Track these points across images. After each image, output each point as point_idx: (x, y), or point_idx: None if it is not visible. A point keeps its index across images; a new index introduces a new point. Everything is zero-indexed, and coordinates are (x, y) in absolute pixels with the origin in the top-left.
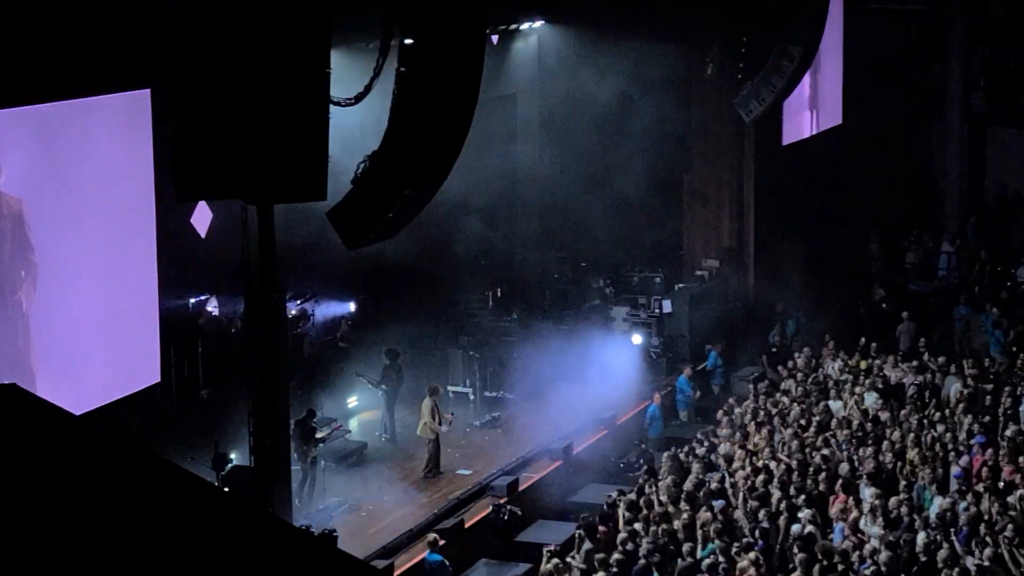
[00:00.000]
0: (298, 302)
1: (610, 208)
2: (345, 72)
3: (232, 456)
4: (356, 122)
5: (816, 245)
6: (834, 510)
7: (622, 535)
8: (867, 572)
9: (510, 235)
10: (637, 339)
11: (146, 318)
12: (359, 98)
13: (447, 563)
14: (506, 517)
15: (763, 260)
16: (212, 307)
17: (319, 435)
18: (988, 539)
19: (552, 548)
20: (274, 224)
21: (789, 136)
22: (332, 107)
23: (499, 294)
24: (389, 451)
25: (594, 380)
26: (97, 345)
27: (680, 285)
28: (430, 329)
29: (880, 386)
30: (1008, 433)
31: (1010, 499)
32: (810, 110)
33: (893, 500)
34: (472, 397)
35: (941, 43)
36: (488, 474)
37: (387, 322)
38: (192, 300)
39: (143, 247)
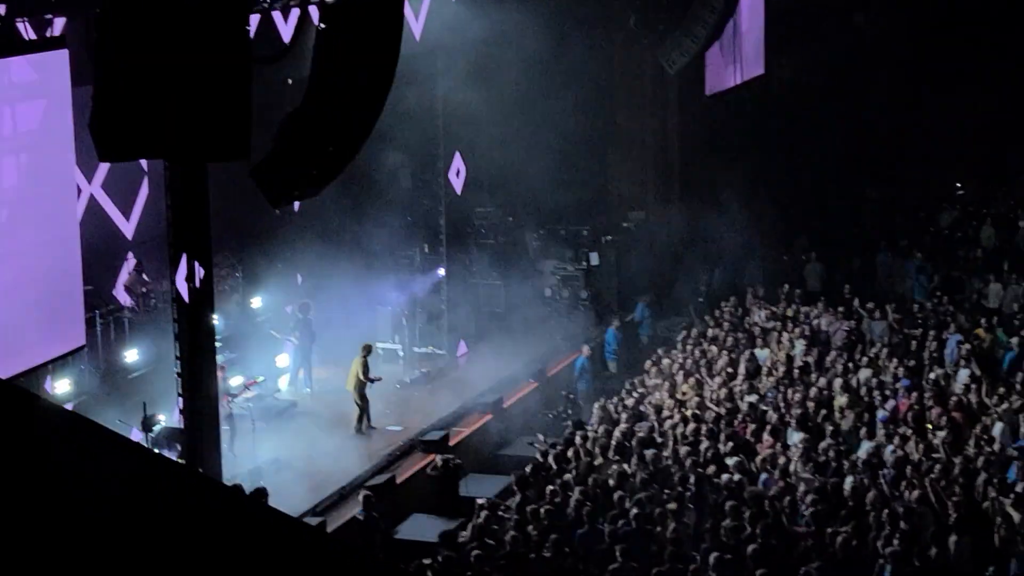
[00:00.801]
0: (224, 263)
1: (536, 162)
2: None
3: (161, 417)
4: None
5: (741, 195)
6: (762, 456)
7: (552, 487)
8: (806, 514)
9: (437, 190)
10: (565, 292)
11: (70, 281)
12: (281, 55)
13: (379, 519)
14: (452, 465)
15: (689, 211)
16: (136, 270)
17: (232, 391)
18: (915, 481)
19: (485, 501)
20: (201, 184)
21: (712, 87)
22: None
23: (426, 249)
24: (318, 409)
25: (523, 334)
26: (20, 309)
27: (607, 237)
28: (358, 286)
29: (812, 334)
30: (933, 376)
31: (935, 441)
32: (733, 60)
33: (821, 445)
34: (401, 353)
35: None
36: (419, 429)
37: (315, 279)
38: (117, 263)
39: (65, 210)
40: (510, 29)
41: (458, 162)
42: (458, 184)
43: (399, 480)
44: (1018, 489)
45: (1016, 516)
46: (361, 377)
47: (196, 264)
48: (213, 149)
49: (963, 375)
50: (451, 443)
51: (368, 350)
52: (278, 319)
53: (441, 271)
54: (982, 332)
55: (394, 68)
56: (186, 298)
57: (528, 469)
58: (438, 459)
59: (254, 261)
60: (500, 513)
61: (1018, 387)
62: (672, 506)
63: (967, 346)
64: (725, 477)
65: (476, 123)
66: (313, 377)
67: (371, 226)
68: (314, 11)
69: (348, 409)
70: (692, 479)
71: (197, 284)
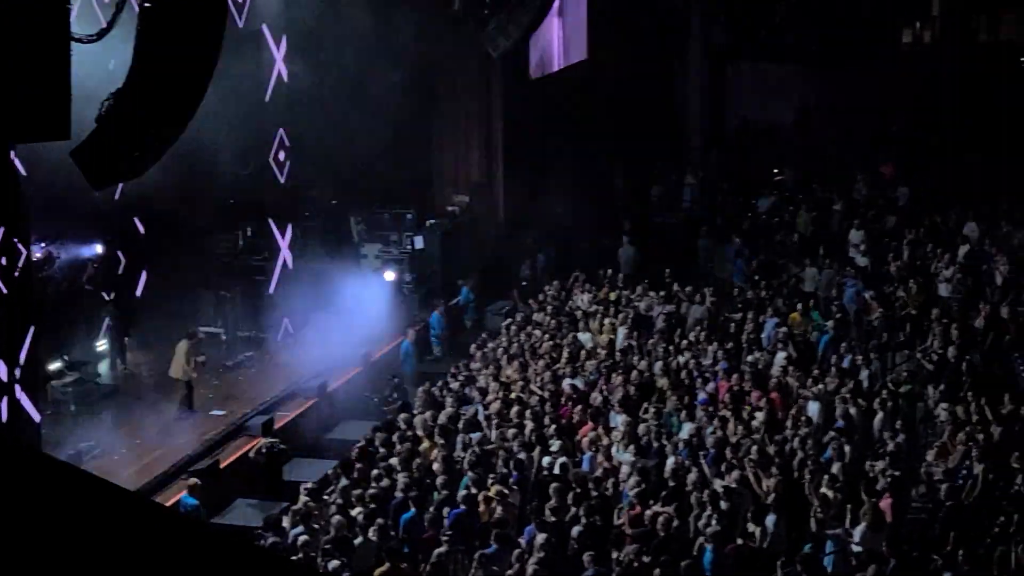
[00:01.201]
0: (42, 245)
1: (361, 145)
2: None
3: None
4: (101, 59)
5: (564, 179)
6: (586, 439)
7: (377, 471)
8: (629, 495)
9: (261, 174)
10: (390, 276)
11: None
12: (101, 34)
13: (201, 507)
14: (276, 450)
15: (513, 195)
16: None
17: (51, 373)
18: (734, 462)
19: (309, 486)
20: (14, 164)
21: (536, 71)
22: (75, 44)
23: (249, 233)
24: (141, 393)
25: (348, 318)
26: None
27: (431, 221)
28: (180, 269)
29: (634, 318)
30: (751, 359)
31: (753, 423)
32: (556, 45)
33: (642, 426)
34: (224, 337)
35: None
36: (243, 414)
37: (135, 263)
38: None
39: None
40: (337, 9)
41: (282, 143)
42: (282, 166)
43: (223, 464)
44: (833, 470)
45: (831, 495)
46: (185, 364)
47: (16, 243)
48: (31, 128)
49: (780, 358)
50: (276, 427)
51: (193, 336)
52: (98, 302)
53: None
54: (796, 316)
55: (219, 47)
56: (3, 282)
57: (353, 453)
58: (262, 444)
59: (76, 243)
60: (325, 497)
61: (833, 370)
62: (498, 489)
63: (783, 329)
64: (548, 459)
65: (303, 104)
66: (130, 361)
67: (195, 208)
68: None
69: (170, 393)
70: (516, 462)
71: (19, 264)
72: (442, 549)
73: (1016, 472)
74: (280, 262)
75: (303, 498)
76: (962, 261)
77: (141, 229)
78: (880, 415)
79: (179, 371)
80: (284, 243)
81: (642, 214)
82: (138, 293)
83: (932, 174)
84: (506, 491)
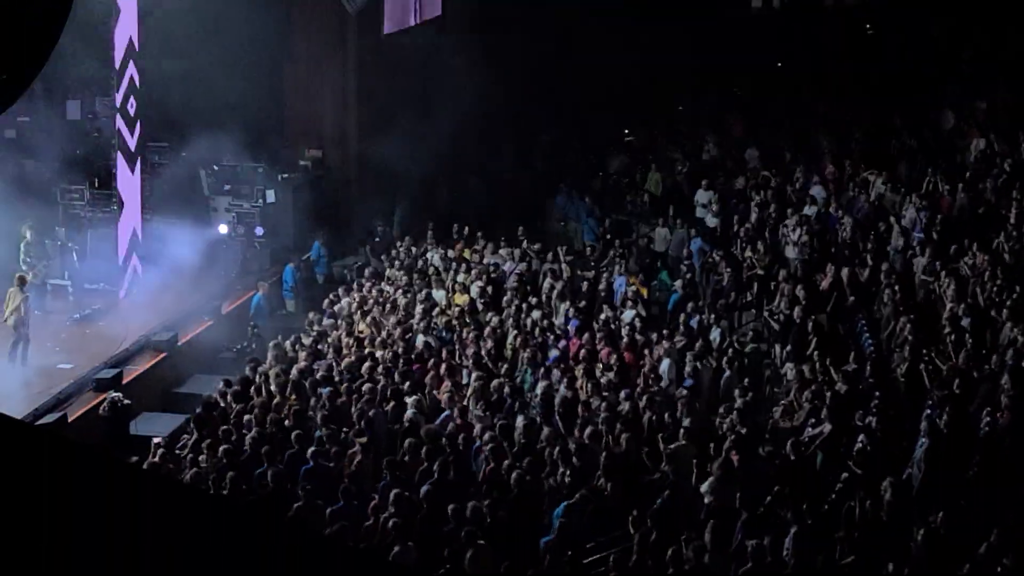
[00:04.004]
0: None
1: (211, 97)
2: None
3: None
4: None
5: (417, 136)
6: (441, 395)
7: (227, 427)
8: (484, 451)
9: (107, 126)
10: (240, 229)
11: None
12: None
13: None
14: (120, 405)
15: (366, 151)
16: None
17: None
18: (585, 417)
19: (160, 440)
20: None
21: (390, 26)
22: None
23: (96, 184)
24: None
25: (198, 271)
26: None
27: (283, 175)
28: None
29: (487, 275)
30: (602, 317)
31: (603, 380)
32: (412, 1)
33: (495, 383)
34: (71, 290)
35: None
36: (91, 367)
37: None
38: None
39: None
40: None
41: (133, 91)
42: (132, 118)
43: (71, 419)
44: (685, 424)
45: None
46: (20, 313)
47: None
48: None
49: (628, 315)
50: (124, 381)
51: (22, 281)
52: None
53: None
54: (634, 280)
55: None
56: None
57: (202, 408)
58: (108, 398)
59: None
60: (176, 452)
61: (681, 328)
62: (352, 444)
63: (633, 288)
64: (403, 415)
65: (152, 56)
66: None
67: (40, 160)
68: None
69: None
70: (368, 418)
71: None
72: (299, 503)
73: (859, 430)
74: (129, 214)
75: (156, 451)
76: (809, 223)
77: None
78: (728, 373)
79: (13, 317)
80: (134, 196)
81: (495, 170)
82: None
83: (779, 136)
84: (360, 446)
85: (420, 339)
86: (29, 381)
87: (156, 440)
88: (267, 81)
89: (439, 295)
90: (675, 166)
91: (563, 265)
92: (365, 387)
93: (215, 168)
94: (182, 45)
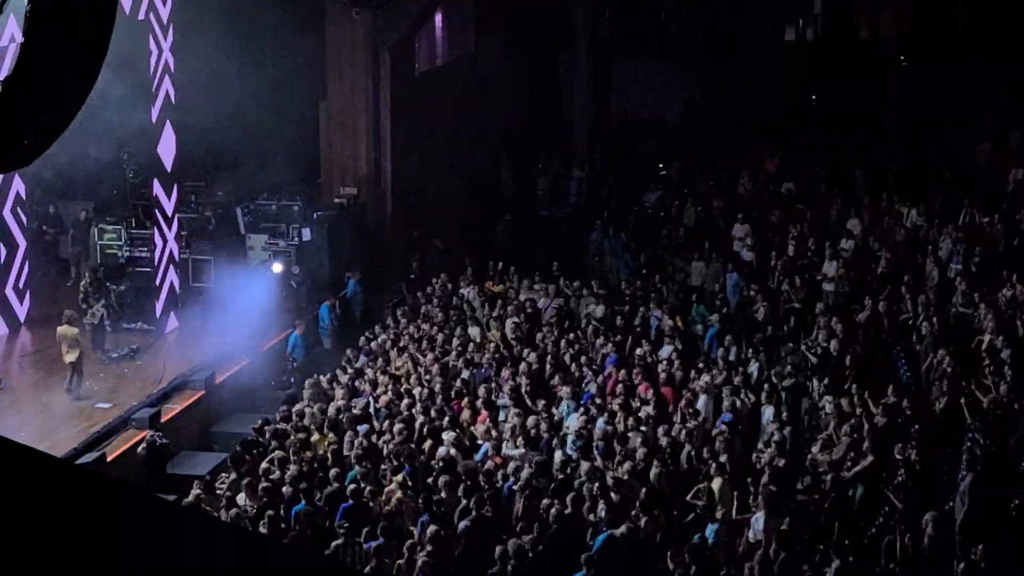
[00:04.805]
0: None
1: (247, 136)
2: None
3: None
4: None
5: (452, 172)
6: (478, 432)
7: (266, 464)
8: (518, 487)
9: (145, 164)
10: (277, 268)
11: None
12: None
13: None
14: (159, 444)
15: (401, 187)
16: None
17: None
18: (623, 454)
19: (205, 478)
20: None
21: (423, 63)
22: None
23: (133, 224)
24: (25, 386)
25: (235, 310)
26: None
27: (319, 213)
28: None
29: (522, 311)
30: (639, 352)
31: (641, 415)
32: (443, 38)
33: (531, 419)
34: (109, 328)
35: None
36: (129, 406)
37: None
38: None
39: None
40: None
41: (169, 134)
42: (168, 157)
43: (110, 458)
44: (722, 460)
45: (717, 485)
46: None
47: None
48: None
49: (665, 351)
50: (163, 420)
51: (73, 318)
52: None
53: (149, 246)
54: (670, 316)
55: (109, 33)
56: None
57: (240, 447)
58: (147, 437)
59: None
60: (215, 491)
61: (720, 362)
62: (389, 481)
63: (670, 323)
64: (440, 452)
65: (186, 96)
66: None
67: (77, 199)
68: None
69: (54, 384)
70: (407, 454)
71: None
72: (339, 541)
73: (899, 463)
74: (166, 254)
75: (195, 491)
76: (846, 256)
77: (24, 220)
78: (769, 408)
79: (72, 354)
80: (170, 234)
81: (529, 208)
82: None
83: (815, 169)
84: (398, 482)
85: (456, 376)
86: (69, 420)
87: (198, 479)
88: (302, 119)
89: (475, 331)
90: (711, 200)
91: (599, 300)
92: (402, 424)
93: (251, 206)
94: (217, 84)
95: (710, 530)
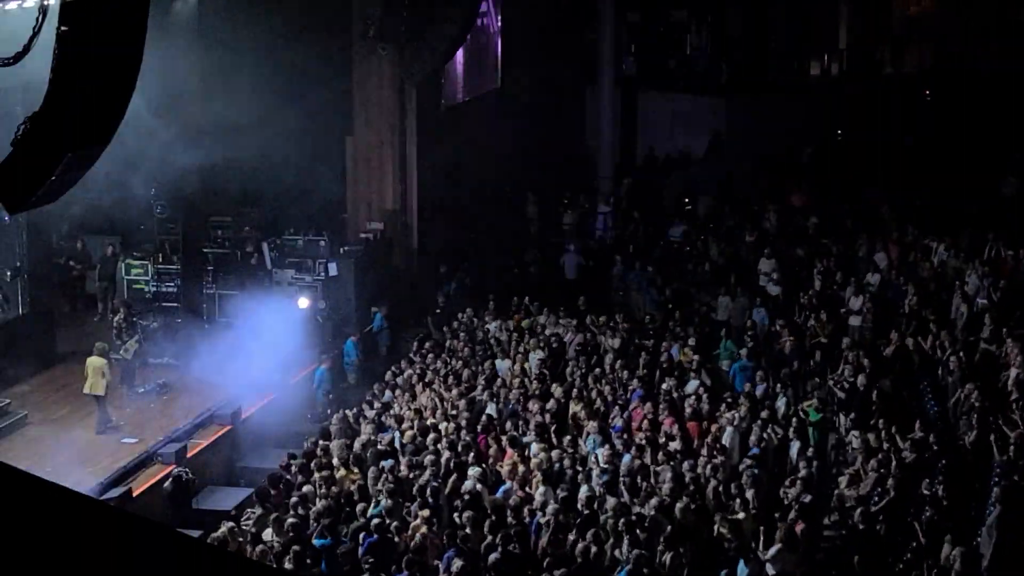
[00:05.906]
0: None
1: (273, 171)
2: (6, 31)
3: None
4: (18, 83)
5: (478, 207)
6: (504, 467)
7: (294, 499)
8: (543, 522)
9: (173, 199)
10: (304, 303)
11: None
12: (18, 57)
13: None
14: (184, 479)
15: (426, 222)
16: None
17: None
18: (650, 489)
19: (232, 512)
20: None
21: (450, 99)
22: None
23: (160, 259)
24: (51, 421)
25: (261, 345)
26: None
27: (345, 248)
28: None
29: (548, 346)
30: (665, 387)
31: (669, 449)
32: (469, 74)
33: (556, 454)
34: (137, 365)
35: (593, 9)
36: (155, 442)
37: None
38: None
39: None
40: (252, 33)
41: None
42: (195, 194)
43: (135, 493)
44: (748, 496)
45: (746, 521)
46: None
47: None
48: None
49: (692, 386)
50: (189, 455)
51: (104, 351)
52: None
53: (175, 281)
54: (688, 352)
55: (137, 71)
56: None
57: (266, 482)
58: (173, 472)
59: None
60: (243, 526)
61: (746, 398)
62: (414, 516)
63: (689, 357)
64: (465, 486)
65: (213, 131)
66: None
67: (104, 235)
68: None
69: (83, 419)
70: (432, 489)
71: None
72: None
73: (926, 498)
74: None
75: (224, 526)
76: (872, 290)
77: None
78: (797, 443)
79: (98, 387)
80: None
81: (554, 243)
82: None
83: (841, 204)
84: (424, 518)
85: (482, 410)
86: (95, 455)
87: (226, 513)
88: (329, 154)
89: (503, 365)
90: (737, 235)
91: (624, 334)
92: (428, 459)
93: (278, 241)
94: (245, 120)
95: (741, 569)
